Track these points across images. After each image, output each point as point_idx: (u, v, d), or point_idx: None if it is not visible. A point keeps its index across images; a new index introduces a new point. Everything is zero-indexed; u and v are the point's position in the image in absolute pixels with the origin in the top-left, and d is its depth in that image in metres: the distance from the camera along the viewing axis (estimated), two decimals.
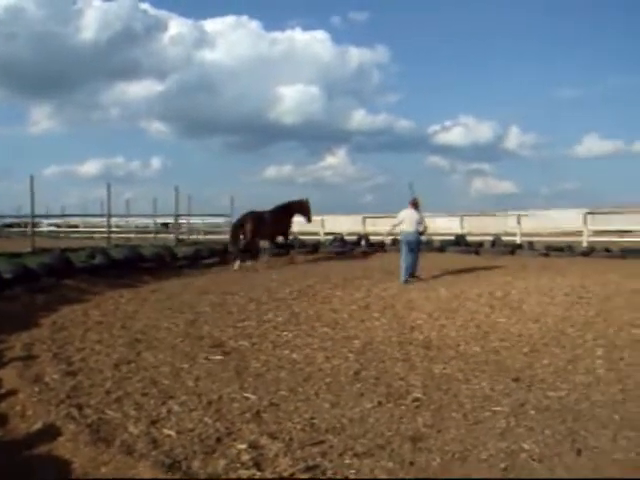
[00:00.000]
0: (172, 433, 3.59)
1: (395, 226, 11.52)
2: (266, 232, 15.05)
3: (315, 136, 77.48)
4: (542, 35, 75.00)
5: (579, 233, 19.41)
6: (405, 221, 10.98)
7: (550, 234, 23.10)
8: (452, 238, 19.31)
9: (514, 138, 75.17)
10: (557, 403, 4.16)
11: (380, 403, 4.15)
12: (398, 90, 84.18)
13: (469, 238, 20.25)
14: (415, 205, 11.11)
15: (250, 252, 14.83)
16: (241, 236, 14.52)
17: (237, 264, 13.80)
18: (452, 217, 24.75)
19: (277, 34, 79.15)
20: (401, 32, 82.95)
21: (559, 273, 11.30)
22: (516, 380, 4.69)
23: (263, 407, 4.07)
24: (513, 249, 17.38)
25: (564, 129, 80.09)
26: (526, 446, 3.40)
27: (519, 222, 20.61)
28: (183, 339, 6.24)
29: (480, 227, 24.39)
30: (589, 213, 19.92)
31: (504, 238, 19.97)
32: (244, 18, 76.39)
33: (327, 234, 25.14)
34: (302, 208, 16.07)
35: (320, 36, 74.37)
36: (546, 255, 16.27)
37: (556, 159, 74.21)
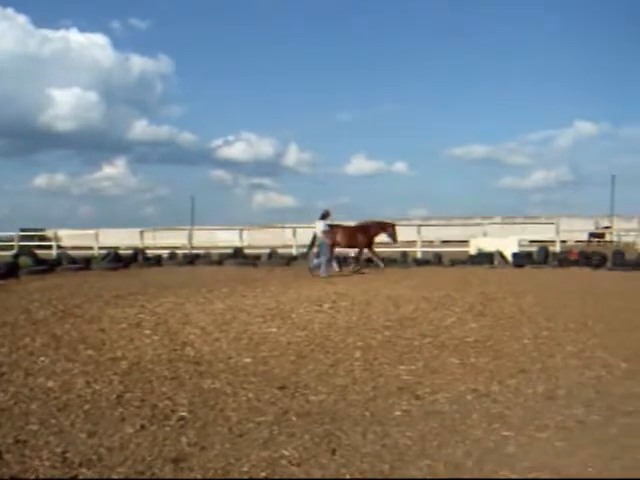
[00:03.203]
0: None
1: (315, 234, 14.52)
2: (340, 242, 16.58)
3: (93, 144, 72.96)
4: (324, 58, 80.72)
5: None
6: (317, 229, 14.12)
7: None
8: (231, 251, 19.59)
9: (293, 155, 79.48)
10: (317, 407, 4.40)
11: (143, 426, 3.96)
12: (182, 102, 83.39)
13: (249, 251, 20.73)
14: (323, 217, 14.14)
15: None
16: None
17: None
18: (232, 230, 25.12)
19: (49, 32, 72.97)
20: (185, 44, 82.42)
21: (329, 282, 12.10)
22: (282, 388, 4.85)
23: (6, 446, 3.61)
24: (289, 261, 18.19)
25: (337, 149, 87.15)
26: (287, 452, 3.51)
27: (295, 235, 21.66)
28: None
29: (260, 240, 25.14)
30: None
31: (282, 250, 20.86)
32: (9, 10, 69.20)
33: (102, 248, 23.72)
34: (386, 229, 16.86)
35: (99, 40, 70.45)
36: None
37: (330, 176, 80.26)
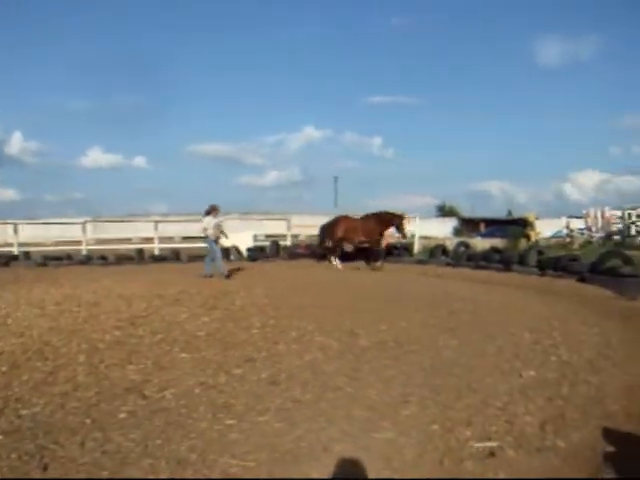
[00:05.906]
0: None
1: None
2: (353, 237, 15.94)
3: None
4: (52, 34, 73.38)
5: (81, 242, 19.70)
6: (203, 225, 12.71)
7: (54, 243, 22.65)
8: None
9: (17, 144, 71.15)
10: (30, 420, 4.01)
11: None
12: None
13: None
14: (208, 213, 12.63)
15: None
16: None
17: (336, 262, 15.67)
18: None
19: None
20: None
21: (53, 283, 11.11)
22: None
23: None
24: (8, 260, 16.26)
25: (70, 140, 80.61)
26: None
27: (16, 232, 19.43)
28: None
29: None
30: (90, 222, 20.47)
31: (2, 249, 18.66)
32: None
33: None
34: (394, 221, 15.74)
35: None
36: (44, 265, 15.84)
37: (63, 168, 73.92)
